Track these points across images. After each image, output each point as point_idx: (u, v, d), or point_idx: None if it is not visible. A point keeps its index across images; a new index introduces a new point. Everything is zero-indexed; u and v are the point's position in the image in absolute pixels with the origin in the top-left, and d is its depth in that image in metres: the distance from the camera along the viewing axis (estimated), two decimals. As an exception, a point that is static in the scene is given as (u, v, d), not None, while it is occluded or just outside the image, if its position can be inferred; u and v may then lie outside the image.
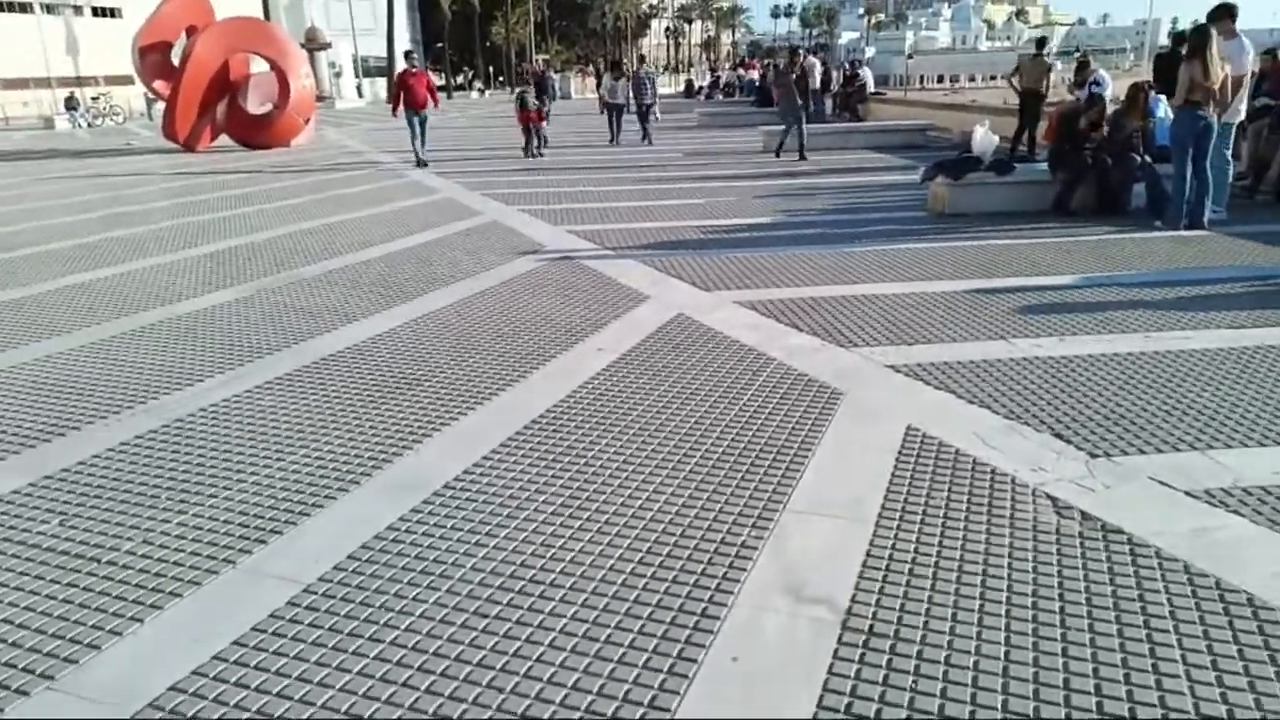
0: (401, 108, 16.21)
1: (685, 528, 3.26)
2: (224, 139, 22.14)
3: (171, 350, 5.66)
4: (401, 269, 7.84)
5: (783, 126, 15.64)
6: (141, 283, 7.67)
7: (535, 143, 17.52)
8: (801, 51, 19.60)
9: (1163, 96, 10.25)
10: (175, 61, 20.85)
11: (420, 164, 16.09)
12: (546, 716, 2.32)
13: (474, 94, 67.69)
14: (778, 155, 15.29)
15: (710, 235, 9.02)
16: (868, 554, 3.03)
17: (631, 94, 19.81)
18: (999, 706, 2.30)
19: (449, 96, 57.06)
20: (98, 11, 52.96)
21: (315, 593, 2.92)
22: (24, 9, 49.40)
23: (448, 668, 2.53)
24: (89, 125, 35.23)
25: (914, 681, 2.41)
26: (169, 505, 3.56)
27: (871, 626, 2.64)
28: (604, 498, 3.51)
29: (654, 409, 4.41)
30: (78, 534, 3.35)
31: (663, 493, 3.53)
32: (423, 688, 2.44)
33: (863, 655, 2.51)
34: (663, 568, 3.00)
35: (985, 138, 9.70)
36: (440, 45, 77.59)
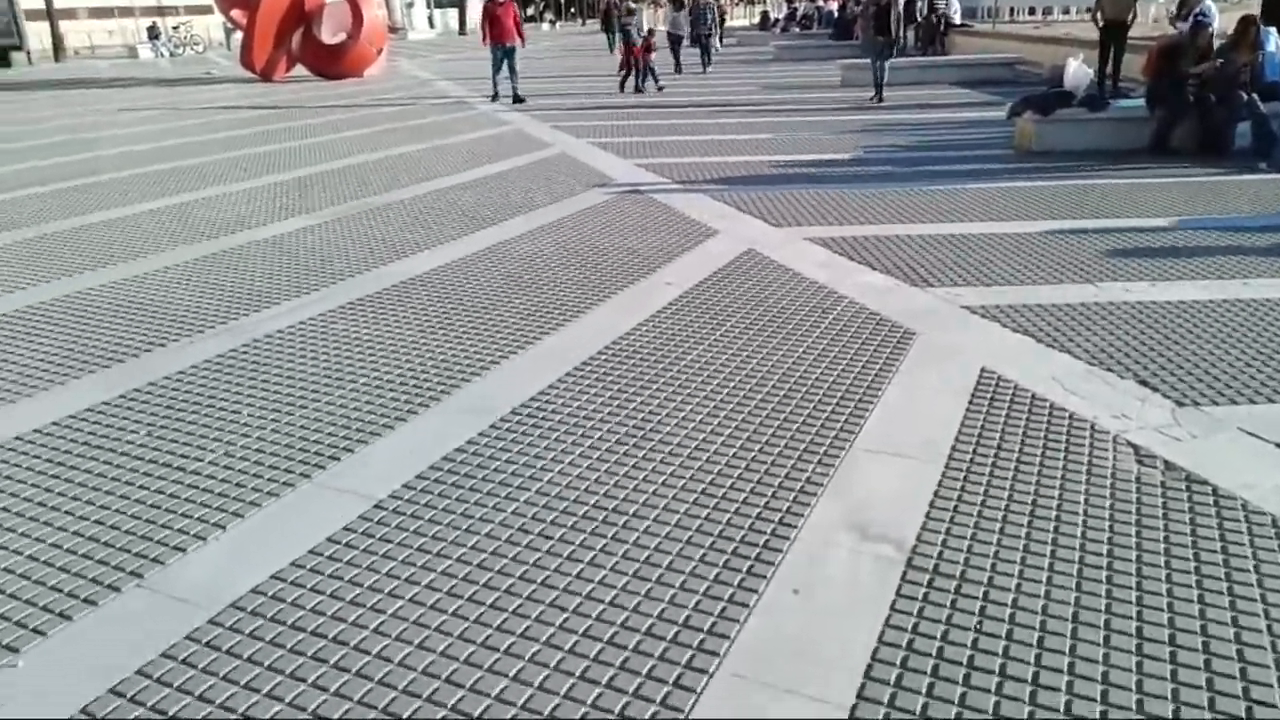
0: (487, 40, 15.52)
1: (749, 462, 3.25)
2: (299, 69, 22.35)
3: (250, 273, 5.80)
4: (472, 199, 7.86)
5: (867, 62, 14.26)
6: (220, 208, 7.85)
7: (641, 78, 16.72)
8: None
9: (1274, 29, 9.53)
10: (253, -10, 20.99)
11: (497, 97, 15.62)
12: (607, 637, 2.35)
13: (544, 26, 66.84)
14: (877, 100, 13.55)
15: (782, 170, 8.81)
16: (935, 495, 2.97)
17: (689, 24, 20.70)
18: (1066, 652, 2.25)
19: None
20: (179, -60, 53.56)
21: (385, 509, 3.00)
22: (110, -63, 50.22)
23: (512, 585, 2.58)
24: (170, 54, 35.90)
25: (979, 623, 2.37)
26: (249, 420, 3.68)
27: (936, 567, 2.60)
28: (668, 429, 3.51)
29: (720, 344, 4.37)
30: (164, 444, 3.50)
31: (727, 426, 3.52)
32: (488, 603, 2.50)
33: (926, 595, 2.48)
34: (725, 499, 3.00)
35: (1079, 71, 9.19)
36: (512, -25, 76.43)
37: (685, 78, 18.82)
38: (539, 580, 2.60)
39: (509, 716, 2.10)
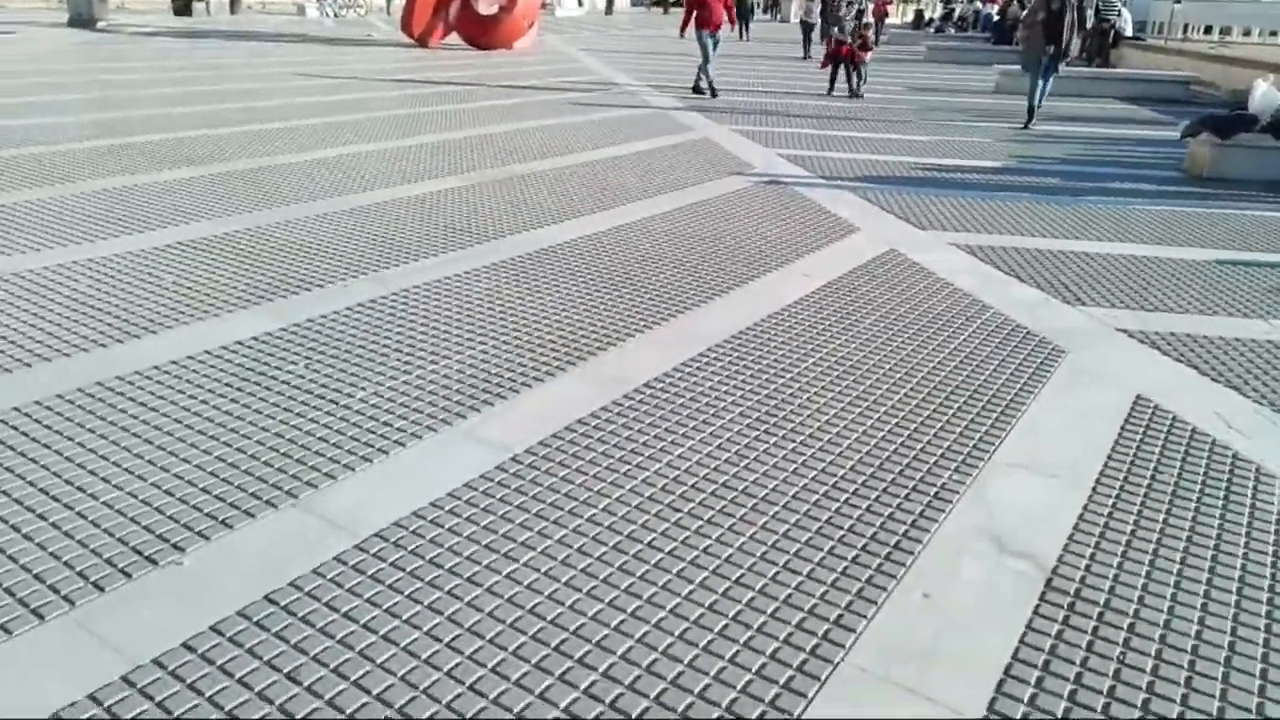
0: (691, 26, 13.42)
1: (882, 461, 3.19)
2: (453, 37, 23.04)
3: (396, 228, 6.05)
4: (614, 175, 7.95)
5: (1028, 78, 11.79)
6: (371, 164, 8.20)
7: (855, 81, 14.21)
8: None
9: None
10: (418, -43, 21.69)
11: (699, 90, 13.75)
12: (732, 613, 2.37)
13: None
14: (1026, 125, 11.45)
15: (929, 173, 8.55)
16: (1080, 518, 2.85)
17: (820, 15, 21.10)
18: (1216, 697, 2.13)
19: (665, 11, 56.46)
20: (351, -94, 55.90)
21: (522, 462, 3.09)
22: (289, -100, 52.84)
23: (640, 551, 2.62)
24: (334, 15, 37.53)
25: (1122, 654, 2.27)
26: (395, 364, 3.85)
27: (1079, 591, 2.50)
28: (800, 419, 3.48)
29: (856, 340, 4.29)
30: (319, 378, 3.70)
31: (861, 424, 3.46)
32: (616, 565, 2.55)
33: (1067, 618, 2.39)
34: (856, 495, 2.96)
35: (1267, 95, 8.54)
36: (664, -42, 76.57)
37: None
38: (661, 554, 2.63)
39: (614, 694, 2.14)
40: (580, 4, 57.30)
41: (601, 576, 2.50)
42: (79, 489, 2.82)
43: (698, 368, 3.93)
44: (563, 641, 2.24)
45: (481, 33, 22.43)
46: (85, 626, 2.22)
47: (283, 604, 2.34)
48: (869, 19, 15.19)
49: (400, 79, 15.27)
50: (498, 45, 22.38)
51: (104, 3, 26.75)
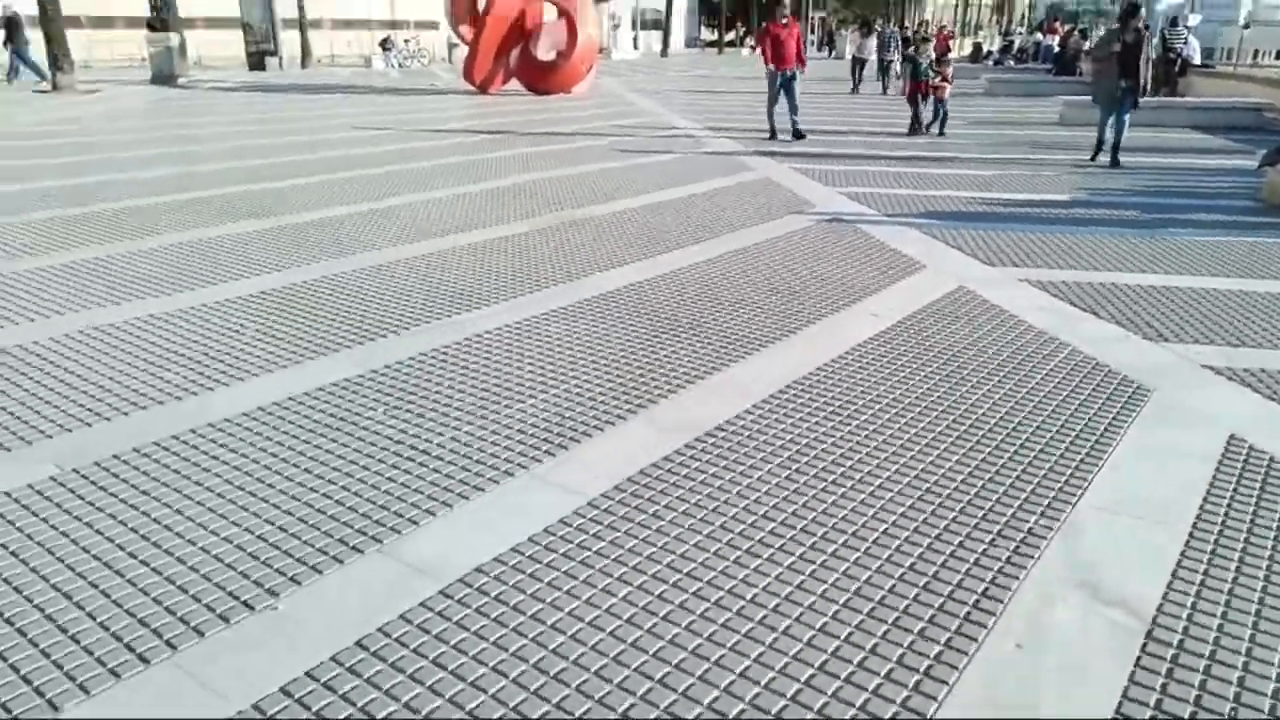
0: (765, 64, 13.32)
1: (964, 504, 3.13)
2: (513, 83, 23.63)
3: (463, 274, 6.18)
4: (672, 218, 8.02)
5: (1098, 113, 11.05)
6: (436, 211, 8.41)
7: (934, 119, 13.83)
8: (1142, 12, 12.23)
9: None
10: (480, 8, 22.39)
11: (774, 134, 13.36)
12: (817, 663, 2.33)
13: (744, 51, 67.36)
14: (1094, 158, 11.05)
15: (994, 208, 8.44)
16: (1179, 564, 2.75)
17: (875, 49, 23.40)
18: (1341, 759, 2.02)
19: (719, 52, 57.16)
20: (415, -39, 58.21)
21: (598, 507, 3.11)
22: (355, -42, 55.24)
23: (721, 598, 2.61)
24: (399, 66, 38.80)
25: (1234, 709, 2.17)
26: (470, 409, 3.92)
27: (1182, 642, 2.40)
28: (876, 463, 3.44)
29: (930, 380, 4.24)
30: (399, 423, 3.78)
31: (940, 466, 3.40)
32: (698, 612, 2.54)
33: (1171, 671, 2.30)
34: (940, 540, 2.90)
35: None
36: (716, 1, 77.73)
37: (888, 111, 18.43)
38: (744, 600, 2.61)
39: (722, 727, 2.11)
40: (635, 47, 58.29)
41: (684, 624, 2.49)
42: (177, 534, 2.92)
43: (767, 411, 3.92)
44: (648, 691, 2.23)
45: (541, 78, 22.95)
46: (188, 671, 2.29)
47: (373, 649, 2.38)
48: (930, 52, 14.78)
49: (462, 126, 15.68)
50: (557, 90, 22.86)
51: (184, 59, 28.09)
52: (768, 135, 13.45)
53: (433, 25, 50.48)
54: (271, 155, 11.86)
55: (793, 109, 13.04)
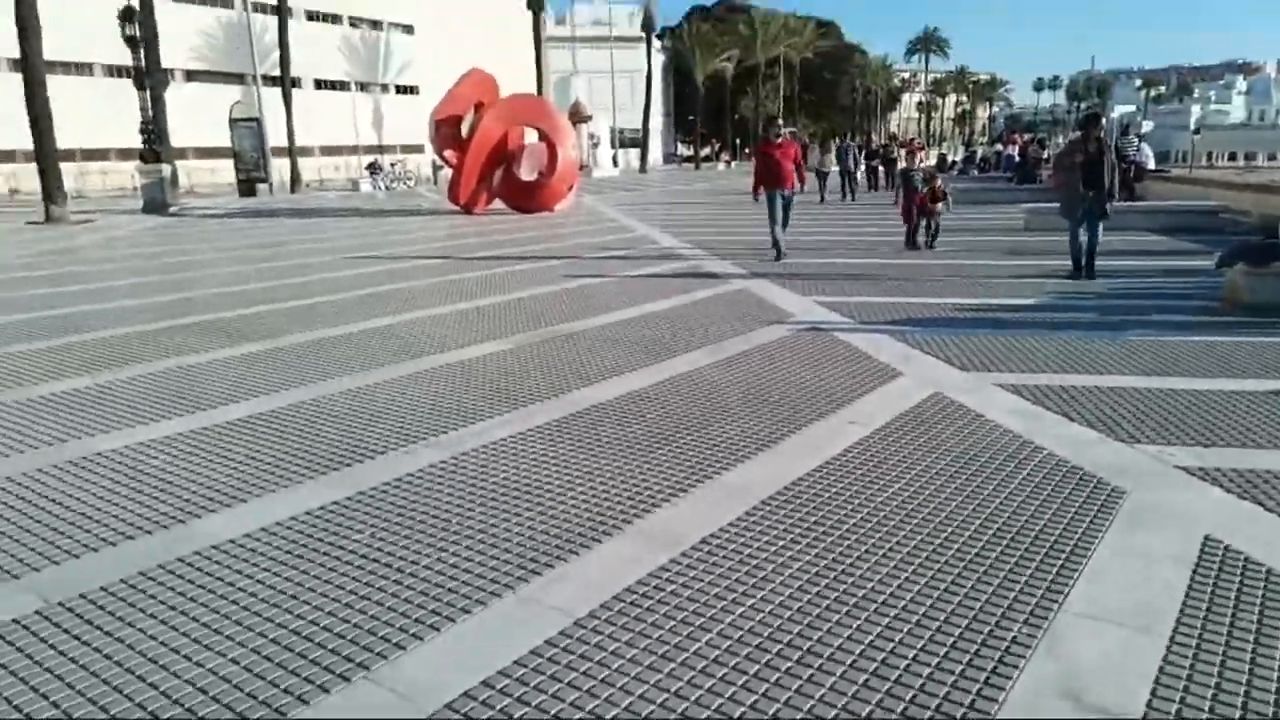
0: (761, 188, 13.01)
1: (948, 614, 3.15)
2: (497, 203, 24.36)
3: (448, 392, 6.28)
4: (653, 331, 8.22)
5: (1069, 226, 10.73)
6: (420, 331, 8.58)
7: (927, 234, 13.84)
8: (1105, 121, 13.66)
9: None
10: (464, 133, 23.31)
11: (780, 254, 12.76)
12: (809, 783, 2.32)
13: (720, 165, 69.90)
14: (1073, 275, 10.58)
15: (965, 314, 8.70)
16: (1161, 670, 2.78)
17: (835, 161, 26.10)
18: None
19: (696, 168, 59.25)
20: (400, 89, 60.79)
21: (585, 627, 3.12)
22: (343, 88, 57.63)
23: (708, 718, 2.60)
24: (386, 189, 39.95)
25: (1222, 819, 2.17)
26: (456, 529, 3.95)
27: (1168, 750, 2.42)
28: (859, 574, 3.47)
29: (909, 489, 4.31)
30: (385, 545, 3.80)
31: (921, 576, 3.44)
32: (687, 734, 2.53)
33: (1158, 779, 2.30)
34: (924, 652, 2.92)
35: (1297, 223, 8.67)
36: (692, 118, 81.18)
37: (860, 222, 19.10)
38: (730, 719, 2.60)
39: None
40: (615, 164, 60.31)
41: (673, 746, 2.48)
42: (162, 666, 2.90)
43: (752, 522, 3.97)
44: (638, 818, 2.21)
45: (524, 197, 23.69)
46: (169, 812, 2.25)
47: (358, 783, 2.35)
48: (917, 164, 15.27)
49: (447, 246, 16.10)
50: (539, 209, 23.57)
51: (175, 188, 28.90)
52: (774, 257, 12.81)
53: (418, 149, 52.28)
54: (259, 279, 12.11)
55: (784, 225, 13.02)
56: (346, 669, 2.87)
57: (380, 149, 54.55)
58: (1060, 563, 3.51)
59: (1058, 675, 2.77)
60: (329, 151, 54.20)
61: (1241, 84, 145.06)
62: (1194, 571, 3.40)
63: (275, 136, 38.62)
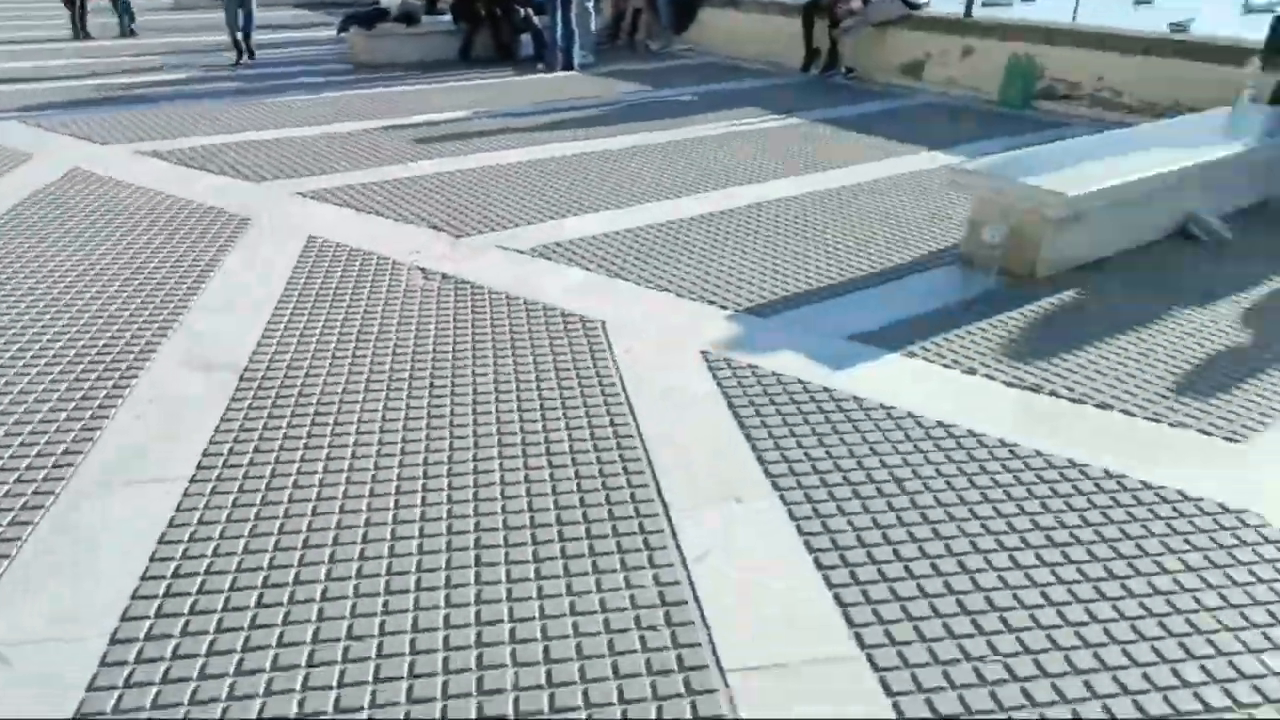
0: None
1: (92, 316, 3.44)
2: None
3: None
4: None
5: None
6: None
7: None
8: None
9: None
10: None
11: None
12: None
13: None
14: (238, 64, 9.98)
15: (109, 93, 8.33)
16: (264, 333, 3.56)
17: None
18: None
19: None
20: None
21: None
22: None
23: None
24: None
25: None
26: None
27: (262, 382, 3.21)
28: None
29: (62, 254, 4.32)
30: None
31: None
32: None
33: (258, 397, 3.08)
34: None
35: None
36: None
37: None
38: None
39: None
40: None
41: None
42: None
43: None
44: None
45: None
46: None
47: None
48: None
49: None
50: None
51: None
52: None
53: None
54: None
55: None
56: None
57: None
58: (196, 274, 4.07)
59: (192, 347, 3.37)
60: None
61: None
62: (297, 260, 4.29)
63: None
